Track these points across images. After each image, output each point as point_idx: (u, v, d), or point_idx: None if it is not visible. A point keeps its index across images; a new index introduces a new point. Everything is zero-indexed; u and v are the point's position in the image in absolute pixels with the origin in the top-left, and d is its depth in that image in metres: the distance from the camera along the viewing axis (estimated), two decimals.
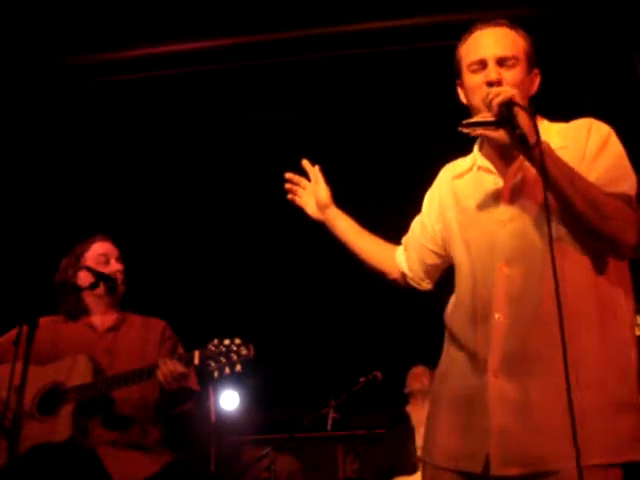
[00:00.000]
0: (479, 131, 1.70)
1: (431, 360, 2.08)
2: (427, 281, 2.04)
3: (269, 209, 5.18)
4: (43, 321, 2.72)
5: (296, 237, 5.26)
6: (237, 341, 2.42)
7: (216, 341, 2.42)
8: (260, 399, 5.97)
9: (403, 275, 2.08)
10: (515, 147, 1.64)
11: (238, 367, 2.39)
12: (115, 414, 2.56)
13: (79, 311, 2.76)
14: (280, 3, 3.70)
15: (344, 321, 5.59)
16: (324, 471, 5.16)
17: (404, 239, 2.10)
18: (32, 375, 2.50)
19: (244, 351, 2.41)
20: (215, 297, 5.49)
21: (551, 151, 1.62)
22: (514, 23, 1.91)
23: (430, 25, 3.63)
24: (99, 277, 2.70)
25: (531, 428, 1.61)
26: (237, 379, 5.89)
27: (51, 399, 2.50)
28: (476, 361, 1.72)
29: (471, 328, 1.75)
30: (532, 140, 1.57)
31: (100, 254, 2.79)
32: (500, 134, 1.63)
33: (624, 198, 1.67)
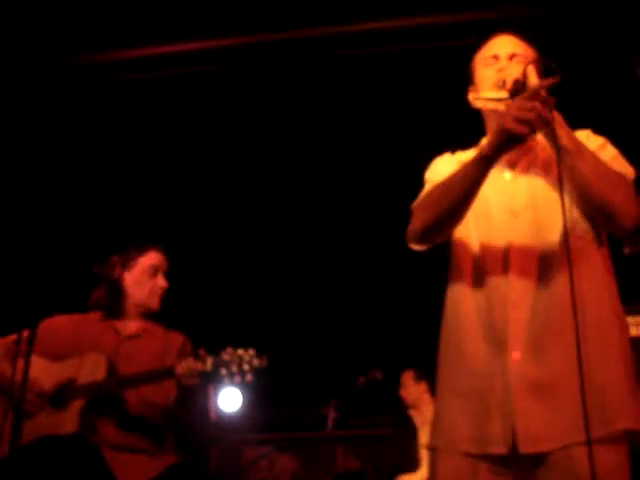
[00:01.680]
0: (492, 104, 1.82)
1: (431, 361, 2.08)
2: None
3: (269, 210, 5.21)
4: (68, 318, 2.80)
5: (297, 237, 5.28)
6: (251, 351, 2.45)
7: (230, 349, 2.45)
8: (260, 399, 5.98)
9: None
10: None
11: (249, 377, 2.43)
12: (125, 415, 2.58)
13: (110, 311, 2.79)
14: (280, 3, 3.71)
15: (344, 321, 5.60)
16: (324, 471, 5.16)
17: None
18: (47, 370, 2.55)
19: (256, 362, 2.44)
20: (216, 297, 5.49)
21: (561, 120, 1.71)
22: (525, 35, 2.04)
23: (430, 25, 3.63)
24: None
25: (555, 403, 1.66)
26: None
27: (64, 394, 2.53)
28: (492, 343, 1.75)
29: (485, 313, 1.78)
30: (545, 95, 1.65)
31: (152, 265, 2.84)
32: None
33: (627, 178, 1.78)
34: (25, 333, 2.27)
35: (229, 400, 5.94)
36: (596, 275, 1.81)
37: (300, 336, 5.67)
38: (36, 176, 4.60)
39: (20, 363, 2.18)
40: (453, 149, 2.03)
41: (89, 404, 2.50)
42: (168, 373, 2.49)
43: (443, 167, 1.97)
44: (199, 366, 2.44)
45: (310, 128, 4.57)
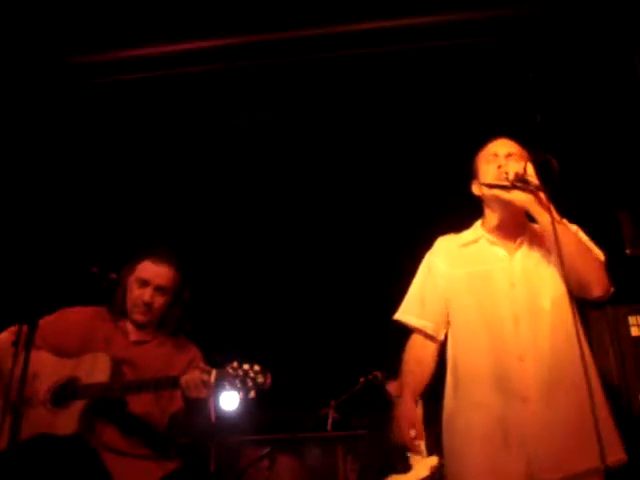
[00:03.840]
0: (496, 191, 2.22)
1: None
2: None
3: (269, 210, 5.21)
4: (84, 312, 2.79)
5: (297, 240, 5.27)
6: (256, 368, 2.44)
7: (235, 364, 2.43)
8: (260, 399, 5.97)
9: None
10: (529, 205, 2.16)
11: (252, 394, 2.42)
12: (125, 420, 2.56)
13: (122, 312, 2.77)
14: (280, 3, 3.71)
15: (344, 321, 5.59)
16: (324, 471, 5.15)
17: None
18: (53, 366, 2.54)
19: (260, 379, 2.43)
20: (216, 298, 5.49)
21: (556, 213, 2.17)
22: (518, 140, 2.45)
23: (430, 25, 3.63)
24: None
25: (564, 439, 2.07)
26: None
27: (67, 393, 2.51)
28: (505, 392, 2.14)
29: (494, 367, 2.19)
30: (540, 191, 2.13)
31: (140, 276, 2.75)
32: (513, 194, 2.18)
33: (600, 259, 2.26)
34: (24, 328, 2.26)
35: (229, 400, 5.93)
36: (582, 330, 2.18)
37: (300, 337, 5.67)
38: (36, 174, 4.60)
39: (20, 358, 2.17)
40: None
41: (90, 406, 2.49)
42: (172, 383, 2.47)
43: (441, 259, 2.43)
44: (204, 378, 2.41)
45: (309, 128, 4.56)
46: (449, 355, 2.37)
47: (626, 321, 3.14)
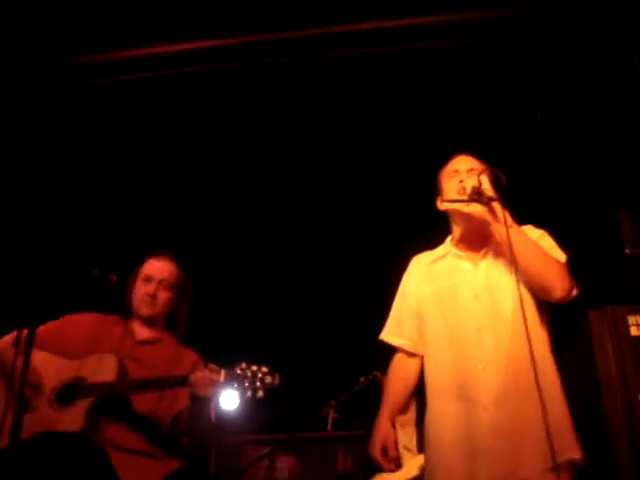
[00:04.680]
0: (456, 205, 2.36)
1: None
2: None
3: (269, 211, 5.21)
4: (91, 317, 2.86)
5: (297, 241, 5.28)
6: (264, 369, 2.51)
7: (244, 365, 2.50)
8: (260, 399, 5.96)
9: None
10: (484, 216, 2.27)
11: (260, 393, 2.49)
12: (131, 418, 2.59)
13: (128, 314, 2.86)
14: (280, 3, 3.71)
15: (344, 321, 5.59)
16: (324, 471, 5.15)
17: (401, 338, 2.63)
18: (58, 367, 2.57)
19: (269, 379, 2.50)
20: (216, 298, 5.49)
21: (508, 217, 2.26)
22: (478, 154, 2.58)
23: (430, 25, 3.63)
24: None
25: (513, 446, 2.16)
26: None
27: (72, 392, 2.53)
28: (470, 402, 2.24)
29: (458, 380, 2.28)
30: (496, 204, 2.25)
31: (146, 273, 2.86)
32: (471, 207, 2.30)
33: (560, 262, 2.33)
34: (24, 332, 2.28)
35: (229, 400, 5.93)
36: (543, 336, 2.32)
37: (300, 337, 5.67)
38: (36, 176, 4.60)
39: (20, 360, 2.19)
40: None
41: (96, 404, 2.51)
42: (182, 381, 2.51)
43: (413, 278, 2.57)
44: (213, 377, 2.47)
45: (309, 128, 4.56)
46: (424, 370, 2.50)
47: (626, 321, 3.14)
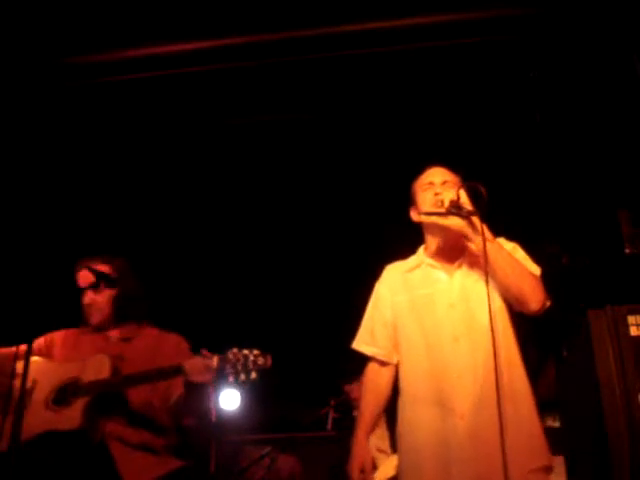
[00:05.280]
0: (434, 218, 2.36)
1: None
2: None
3: (268, 210, 5.21)
4: (66, 332, 2.89)
5: (297, 237, 5.28)
6: (255, 352, 2.53)
7: (235, 349, 2.52)
8: (260, 398, 5.98)
9: None
10: (463, 229, 2.29)
11: (254, 375, 2.49)
12: (129, 414, 2.60)
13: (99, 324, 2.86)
14: (280, 3, 3.71)
15: (344, 321, 5.59)
16: (324, 471, 5.16)
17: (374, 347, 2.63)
18: (52, 371, 2.60)
19: (261, 361, 2.52)
20: (217, 297, 5.50)
21: (486, 229, 2.28)
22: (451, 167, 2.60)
23: (430, 25, 3.63)
24: (99, 276, 2.77)
25: (485, 454, 2.17)
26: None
27: (68, 393, 2.55)
28: (446, 411, 2.27)
29: (434, 387, 2.32)
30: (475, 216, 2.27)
31: (79, 286, 2.85)
32: (449, 220, 2.31)
33: (534, 274, 2.37)
34: (22, 347, 2.33)
35: (229, 400, 5.94)
36: (514, 345, 2.37)
37: (300, 336, 5.67)
38: (33, 182, 4.60)
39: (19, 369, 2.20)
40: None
41: (94, 401, 2.53)
42: (177, 370, 2.52)
43: (386, 288, 2.59)
44: (207, 362, 2.50)
45: (309, 128, 4.57)
46: (398, 379, 2.51)
47: (626, 321, 3.14)
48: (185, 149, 4.83)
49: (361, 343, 2.66)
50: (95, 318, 2.84)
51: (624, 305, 3.19)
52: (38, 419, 2.49)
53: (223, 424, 5.53)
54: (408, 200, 2.62)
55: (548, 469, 2.26)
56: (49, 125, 4.39)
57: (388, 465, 3.62)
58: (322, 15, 3.70)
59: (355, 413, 4.62)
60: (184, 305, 5.20)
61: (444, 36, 3.65)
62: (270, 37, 3.76)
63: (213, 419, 5.37)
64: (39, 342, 2.83)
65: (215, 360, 2.50)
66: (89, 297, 2.84)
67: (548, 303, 2.34)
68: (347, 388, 4.62)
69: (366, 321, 2.68)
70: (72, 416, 2.49)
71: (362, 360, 2.68)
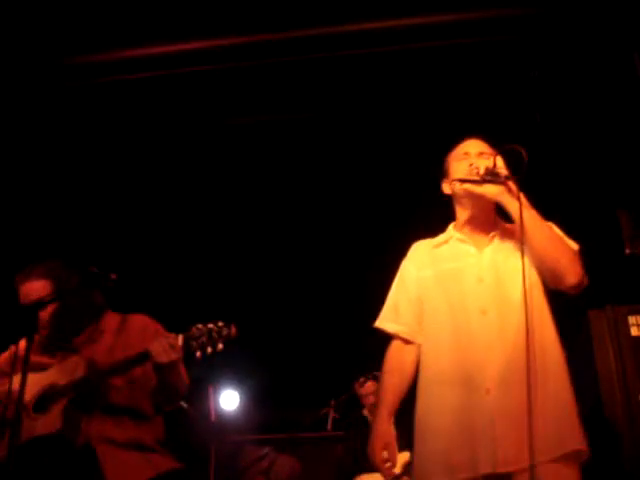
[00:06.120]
0: (467, 185, 2.27)
1: None
2: None
3: (269, 209, 5.21)
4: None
5: (299, 238, 5.28)
6: (220, 323, 2.51)
7: (199, 325, 2.50)
8: (260, 399, 5.97)
9: None
10: (498, 197, 2.21)
11: (220, 346, 2.46)
12: (110, 409, 2.57)
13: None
14: (280, 3, 3.71)
15: (344, 321, 5.60)
16: (324, 471, 5.16)
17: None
18: (30, 382, 2.52)
19: (225, 331, 2.48)
20: (217, 297, 5.49)
21: (524, 199, 2.19)
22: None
23: (430, 25, 3.63)
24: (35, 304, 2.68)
25: (516, 430, 2.06)
26: (238, 379, 5.91)
27: (46, 399, 2.53)
28: (470, 386, 2.16)
29: (460, 363, 2.21)
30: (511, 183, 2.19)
31: (21, 303, 2.73)
32: (484, 187, 2.22)
33: (573, 248, 2.28)
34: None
35: (229, 400, 5.94)
36: (549, 323, 2.25)
37: (300, 337, 5.67)
38: (32, 179, 4.60)
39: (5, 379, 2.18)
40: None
41: (71, 403, 2.49)
42: (144, 357, 2.48)
43: (413, 264, 2.48)
44: (171, 341, 2.46)
45: (309, 128, 4.57)
46: (420, 361, 2.38)
47: (626, 321, 3.14)
48: (185, 149, 4.83)
49: (384, 321, 2.51)
50: (46, 333, 2.74)
51: (624, 305, 3.19)
52: (21, 430, 2.45)
53: (223, 424, 5.53)
54: (431, 183, 2.51)
55: (580, 454, 2.11)
56: (49, 125, 4.39)
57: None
58: (322, 15, 3.70)
59: (365, 412, 4.62)
60: (184, 296, 5.20)
61: (444, 36, 3.65)
62: (270, 37, 3.76)
63: (213, 419, 5.37)
64: (4, 356, 2.77)
65: (180, 338, 2.46)
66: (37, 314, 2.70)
67: (586, 281, 2.21)
68: (356, 385, 4.61)
69: (390, 298, 2.54)
70: (51, 421, 2.45)
71: (365, 360, 2.62)
